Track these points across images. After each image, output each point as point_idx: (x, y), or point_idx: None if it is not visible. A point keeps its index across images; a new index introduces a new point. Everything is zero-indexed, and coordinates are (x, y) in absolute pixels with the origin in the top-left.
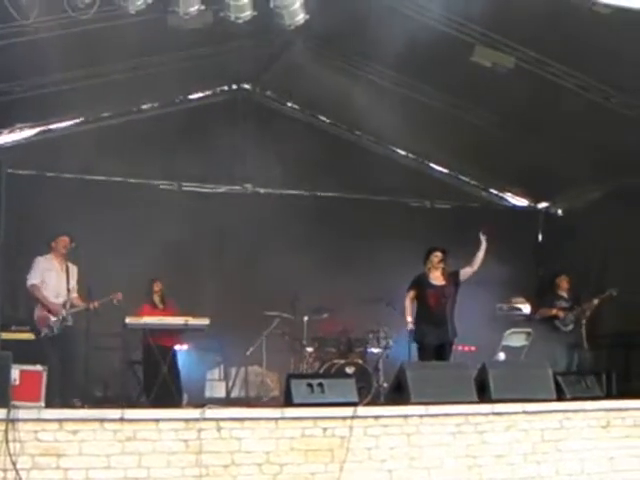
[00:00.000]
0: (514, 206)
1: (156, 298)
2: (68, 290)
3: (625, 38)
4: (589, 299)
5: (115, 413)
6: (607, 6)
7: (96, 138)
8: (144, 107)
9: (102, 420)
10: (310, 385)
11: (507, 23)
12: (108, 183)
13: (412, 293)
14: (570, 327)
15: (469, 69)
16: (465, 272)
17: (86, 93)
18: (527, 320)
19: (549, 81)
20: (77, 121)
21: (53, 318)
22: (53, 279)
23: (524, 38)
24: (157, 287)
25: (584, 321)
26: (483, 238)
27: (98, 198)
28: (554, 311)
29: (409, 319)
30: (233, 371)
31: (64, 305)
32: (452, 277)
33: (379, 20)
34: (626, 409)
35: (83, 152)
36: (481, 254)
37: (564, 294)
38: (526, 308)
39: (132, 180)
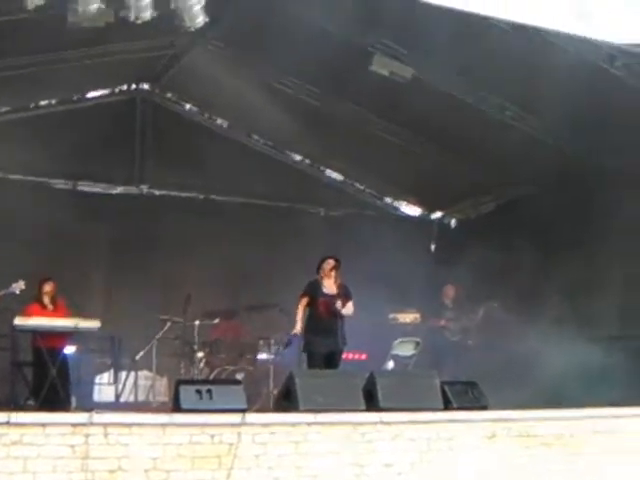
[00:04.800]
0: (408, 215)
1: (46, 299)
2: None
3: (520, 53)
4: (475, 310)
5: (1, 417)
6: (506, 22)
7: None
8: (42, 104)
9: None
10: (199, 391)
11: (407, 34)
12: (1, 180)
13: (305, 300)
14: (458, 337)
15: (369, 78)
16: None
17: None
18: (417, 330)
19: (446, 92)
20: None
21: None
22: None
23: (422, 49)
24: (48, 288)
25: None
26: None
27: None
28: (442, 322)
29: (298, 326)
30: (123, 375)
31: None
32: (343, 288)
33: (279, 25)
34: (512, 420)
35: None
36: (345, 312)
37: (449, 303)
38: (416, 319)
39: (26, 177)
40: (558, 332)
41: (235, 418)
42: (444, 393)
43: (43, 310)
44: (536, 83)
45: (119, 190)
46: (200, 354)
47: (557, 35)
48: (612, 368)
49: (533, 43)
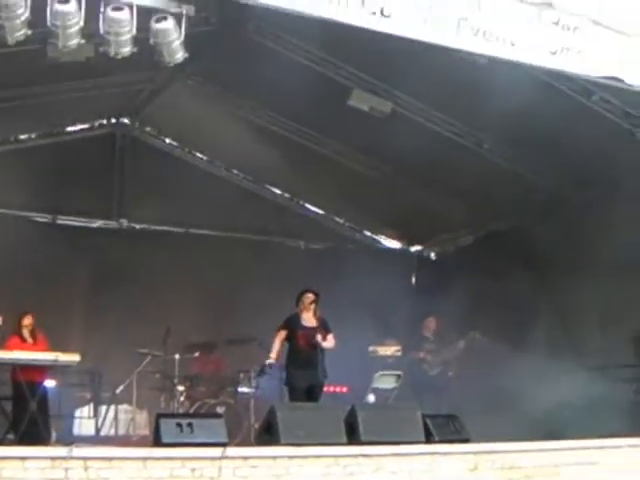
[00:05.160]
0: (388, 248)
1: (25, 332)
2: None
3: (498, 87)
4: (455, 342)
5: None
6: (482, 56)
7: None
8: (21, 137)
9: None
10: (179, 425)
11: (385, 68)
12: None
13: (282, 333)
14: (436, 371)
15: (347, 112)
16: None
17: None
18: (398, 362)
19: (425, 127)
20: None
21: None
22: None
23: (401, 83)
24: (27, 321)
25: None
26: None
27: None
28: (422, 354)
29: (272, 355)
30: (103, 409)
31: None
32: (323, 321)
33: (258, 60)
34: (494, 452)
35: None
36: (327, 345)
37: (430, 336)
38: (397, 351)
39: (5, 211)
40: (541, 362)
41: (216, 452)
42: (426, 426)
43: (23, 343)
44: (514, 117)
45: (99, 224)
46: (180, 387)
47: (534, 68)
48: (595, 399)
49: (510, 76)
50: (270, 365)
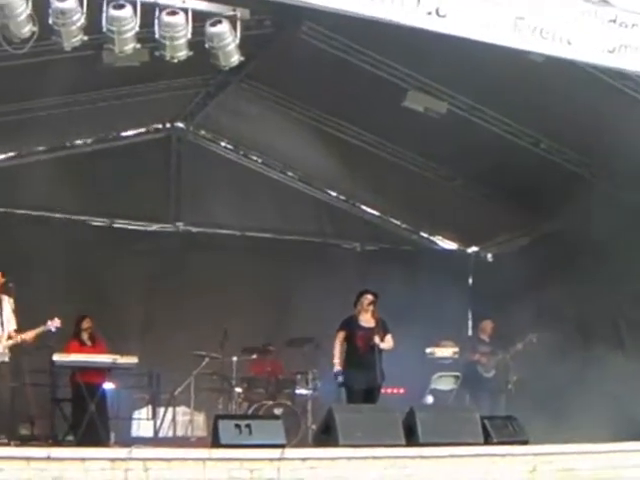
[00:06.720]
0: (444, 249)
1: (84, 335)
2: (2, 324)
3: (554, 85)
4: (513, 344)
5: (41, 452)
6: (540, 55)
7: (28, 173)
8: (77, 142)
9: (28, 459)
10: (238, 426)
11: (440, 68)
12: (39, 218)
13: (342, 335)
14: (492, 373)
15: (402, 113)
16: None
17: (19, 127)
18: (454, 364)
19: (481, 127)
20: (9, 155)
21: None
22: None
23: (457, 84)
24: (86, 324)
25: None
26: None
27: (26, 233)
28: (476, 356)
29: (336, 361)
30: (161, 410)
31: None
32: (381, 322)
33: (313, 63)
34: (553, 453)
35: (14, 186)
36: (385, 346)
37: (486, 338)
38: (455, 353)
39: (63, 216)
40: (603, 364)
41: (274, 453)
42: (484, 427)
43: (82, 347)
44: (571, 116)
45: (155, 227)
46: (238, 389)
47: (592, 67)
48: None
49: (567, 75)
50: (340, 372)
